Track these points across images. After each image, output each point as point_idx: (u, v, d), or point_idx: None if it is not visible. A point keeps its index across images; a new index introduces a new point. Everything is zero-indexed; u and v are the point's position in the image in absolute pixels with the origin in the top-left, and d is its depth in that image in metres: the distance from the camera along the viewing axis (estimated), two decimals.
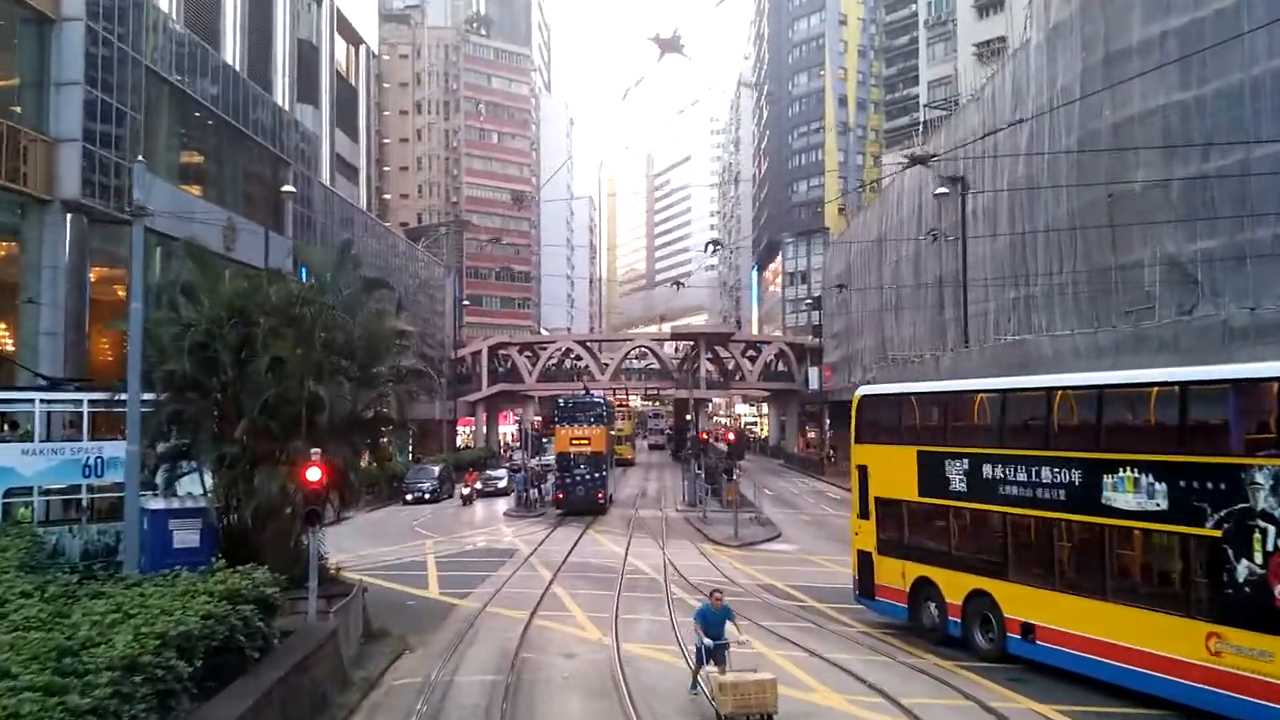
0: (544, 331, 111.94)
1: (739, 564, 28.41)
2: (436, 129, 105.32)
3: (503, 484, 52.30)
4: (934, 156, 41.28)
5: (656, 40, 16.99)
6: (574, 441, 42.97)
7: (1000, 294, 39.87)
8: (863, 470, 20.29)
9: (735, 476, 43.16)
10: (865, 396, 20.78)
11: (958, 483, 17.55)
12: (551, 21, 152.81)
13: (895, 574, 19.23)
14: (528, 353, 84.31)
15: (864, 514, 20.23)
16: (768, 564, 28.30)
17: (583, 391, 59.20)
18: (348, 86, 77.08)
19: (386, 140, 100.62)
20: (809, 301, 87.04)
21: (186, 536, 19.14)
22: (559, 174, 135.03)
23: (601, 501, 42.61)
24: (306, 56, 66.08)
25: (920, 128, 67.78)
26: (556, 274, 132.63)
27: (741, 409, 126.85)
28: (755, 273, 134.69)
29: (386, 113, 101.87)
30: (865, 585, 20.20)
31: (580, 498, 41.84)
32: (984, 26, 61.84)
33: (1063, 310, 34.86)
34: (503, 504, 47.67)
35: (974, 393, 18.53)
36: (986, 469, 16.94)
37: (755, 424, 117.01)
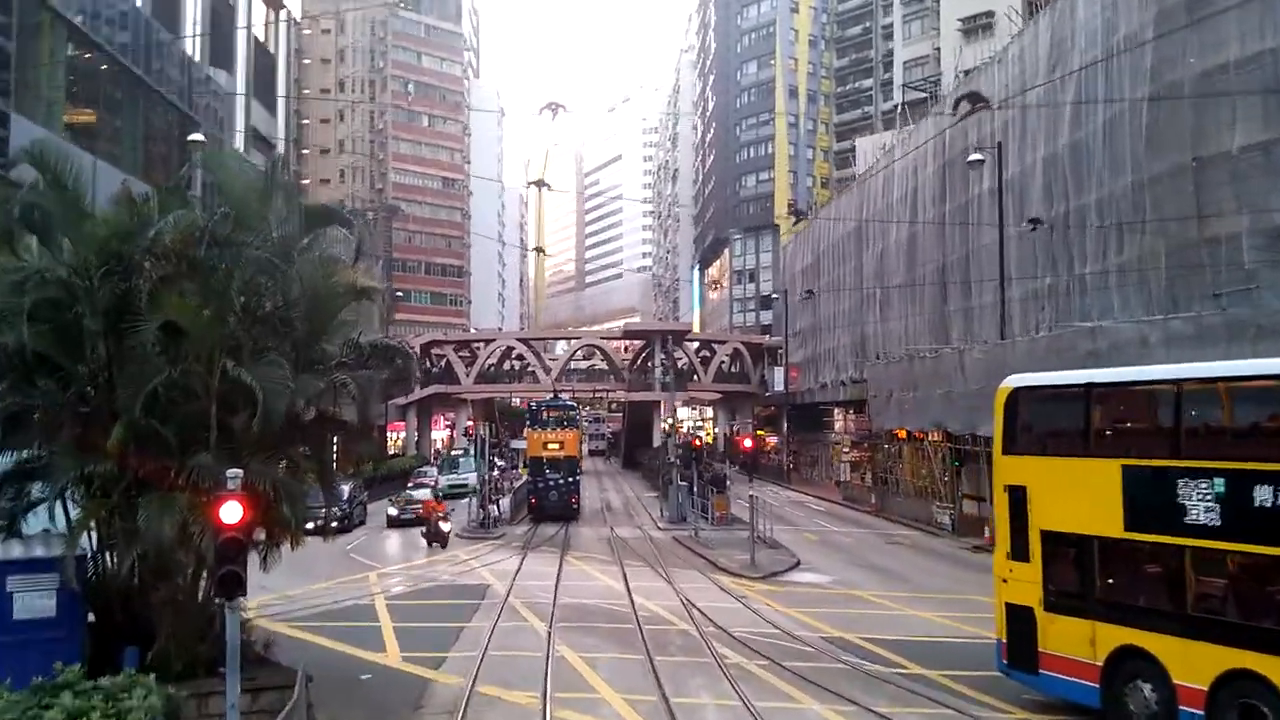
0: (475, 331, 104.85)
1: (776, 604, 22.48)
2: (361, 110, 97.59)
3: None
4: (978, 107, 36.22)
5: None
6: (547, 446, 42.19)
7: (1029, 280, 34.73)
8: (1017, 493, 14.50)
9: (728, 488, 37.44)
10: (1023, 389, 14.97)
11: (1205, 512, 11.87)
12: (480, 7, 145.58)
13: (1077, 640, 13.49)
14: (463, 352, 77.43)
15: (1019, 554, 14.45)
16: (813, 605, 22.43)
17: (551, 395, 55.33)
18: (265, 53, 69.32)
19: (306, 121, 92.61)
20: (774, 299, 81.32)
21: (35, 602, 12.57)
22: (489, 166, 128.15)
23: (575, 506, 41.81)
24: (220, 13, 58.34)
25: (900, 110, 62.97)
26: (488, 271, 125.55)
27: (683, 413, 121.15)
28: (697, 271, 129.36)
29: (306, 90, 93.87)
30: (1021, 652, 14.41)
31: (555, 502, 41.06)
32: (970, 2, 57.21)
33: (1123, 296, 29.83)
34: (411, 548, 36.29)
35: (1249, 380, 12.65)
36: (1264, 492, 11.30)
37: (701, 428, 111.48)
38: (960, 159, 41.29)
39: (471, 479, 49.35)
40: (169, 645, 12.29)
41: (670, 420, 49.35)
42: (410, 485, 47.13)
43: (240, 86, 61.21)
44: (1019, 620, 14.41)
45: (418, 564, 30.83)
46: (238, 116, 57.59)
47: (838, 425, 64.22)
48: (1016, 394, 14.86)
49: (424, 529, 34.50)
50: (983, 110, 38.22)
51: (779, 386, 70.37)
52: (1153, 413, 13.49)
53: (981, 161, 32.89)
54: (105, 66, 36.91)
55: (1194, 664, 12.01)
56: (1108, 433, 13.80)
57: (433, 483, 48.19)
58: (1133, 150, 29.18)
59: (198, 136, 30.55)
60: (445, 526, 34.28)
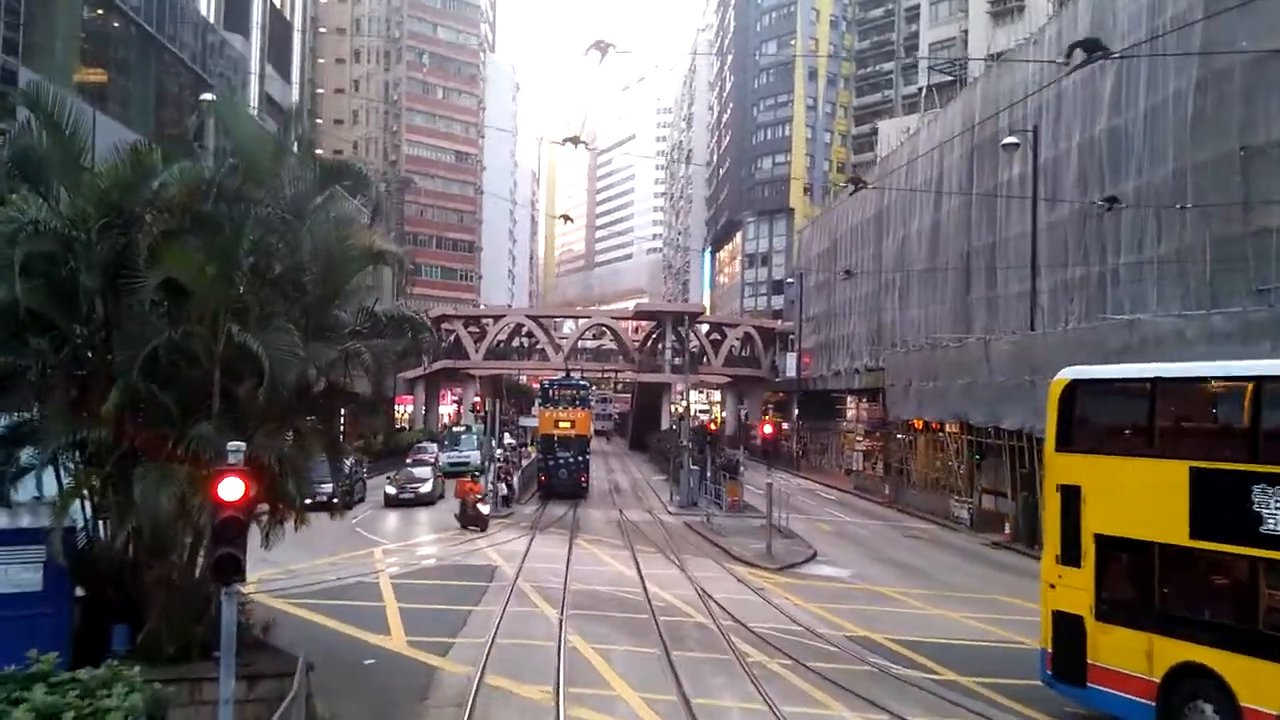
0: (484, 307, 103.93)
1: (794, 598, 21.65)
2: (376, 80, 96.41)
3: (426, 488, 38.36)
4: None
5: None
6: (559, 424, 42.36)
7: (1059, 270, 33.69)
8: (1070, 493, 13.58)
9: (741, 474, 36.65)
10: (1081, 382, 13.99)
11: None
12: None
13: (1131, 653, 12.60)
14: (473, 327, 76.56)
15: (1069, 558, 13.55)
16: (833, 600, 21.60)
17: (563, 374, 55.49)
18: (281, 20, 68.30)
19: (320, 90, 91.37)
20: (789, 283, 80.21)
21: (20, 575, 11.79)
22: (503, 142, 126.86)
23: (584, 484, 42.10)
24: None
25: (924, 92, 61.83)
26: (499, 248, 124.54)
27: (691, 396, 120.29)
28: (708, 254, 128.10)
29: (321, 60, 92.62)
30: (1067, 664, 13.51)
31: (564, 480, 41.20)
32: None
33: (1158, 288, 28.83)
34: (425, 515, 36.32)
35: None
36: None
37: (707, 412, 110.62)
38: (989, 144, 40.22)
39: (474, 457, 48.01)
40: (162, 626, 11.47)
41: (684, 403, 48.47)
42: (409, 461, 45.56)
43: (254, 54, 60.21)
44: (1067, 629, 13.51)
45: (424, 541, 30.08)
46: (252, 83, 56.57)
47: (849, 413, 63.29)
48: (1073, 387, 13.90)
49: (457, 510, 32.65)
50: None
51: (791, 372, 69.42)
52: (1226, 411, 12.56)
53: (1016, 145, 31.76)
54: (118, 24, 35.99)
55: (1265, 686, 11.11)
56: (1174, 431, 12.85)
57: (433, 459, 47.24)
58: (1176, 137, 28.15)
59: (210, 96, 29.57)
60: (484, 509, 32.28)
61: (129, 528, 10.92)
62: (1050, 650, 13.83)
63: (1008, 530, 32.71)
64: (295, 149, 12.97)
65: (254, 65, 58.63)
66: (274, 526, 13.58)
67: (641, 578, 23.15)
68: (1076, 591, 13.43)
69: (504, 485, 37.95)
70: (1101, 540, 13.17)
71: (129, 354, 10.82)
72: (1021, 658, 15.95)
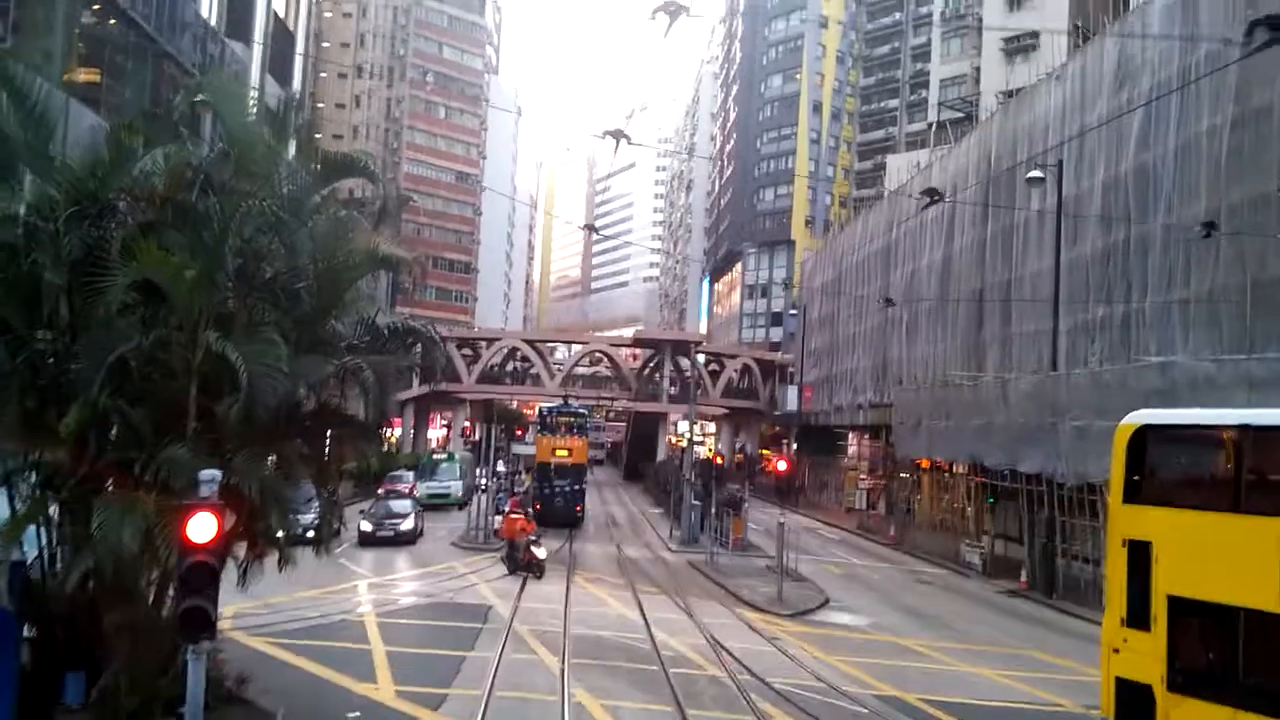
0: (478, 330, 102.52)
1: (812, 649, 20.18)
2: (378, 97, 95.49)
3: (406, 525, 34.36)
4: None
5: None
6: (556, 452, 41.80)
7: (1079, 309, 32.50)
8: (1139, 549, 12.22)
9: (745, 510, 35.24)
10: (1152, 428, 12.64)
11: None
12: (502, 5, 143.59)
13: None
14: (466, 350, 75.09)
15: (1137, 620, 12.18)
16: (856, 653, 20.13)
17: (560, 400, 53.88)
18: (284, 30, 67.21)
19: (321, 104, 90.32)
20: (792, 314, 79.00)
21: None
22: (503, 165, 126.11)
23: (580, 514, 41.52)
24: None
25: (932, 128, 60.93)
26: (495, 271, 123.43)
27: (684, 426, 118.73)
28: (707, 283, 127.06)
29: (323, 74, 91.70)
30: None
31: (560, 509, 40.43)
32: (1015, 19, 55.07)
33: (1188, 331, 27.62)
34: (403, 556, 32.34)
35: None
36: None
37: (702, 444, 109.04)
38: (1006, 178, 39.22)
39: (455, 487, 45.82)
40: (122, 677, 10.04)
41: (687, 435, 47.12)
42: (381, 492, 41.50)
43: (255, 64, 59.07)
44: (1134, 699, 12.11)
45: (412, 575, 28.57)
46: (251, 93, 55.35)
47: (851, 450, 61.89)
48: (1144, 433, 12.57)
49: (503, 553, 29.27)
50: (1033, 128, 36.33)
51: (791, 405, 68.11)
52: None
53: (1041, 179, 30.67)
54: (114, 21, 34.75)
55: None
56: (1264, 485, 11.54)
57: (409, 490, 42.96)
58: (1209, 175, 27.10)
59: (204, 98, 28.21)
60: (540, 552, 28.03)
61: (82, 566, 9.49)
62: None
63: (1024, 578, 31.30)
64: (295, 139, 11.61)
65: (254, 78, 57.51)
66: (252, 563, 12.17)
67: (647, 622, 21.67)
68: (1145, 658, 12.04)
69: (499, 517, 36.33)
70: (1175, 602, 11.80)
71: (93, 363, 9.46)
72: None
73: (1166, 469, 12.84)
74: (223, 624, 16.82)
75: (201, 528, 7.37)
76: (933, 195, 30.42)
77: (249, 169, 10.38)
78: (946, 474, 43.81)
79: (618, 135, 13.41)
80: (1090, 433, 27.60)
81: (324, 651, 17.43)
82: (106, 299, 9.46)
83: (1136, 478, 12.58)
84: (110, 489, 9.47)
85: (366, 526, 34.00)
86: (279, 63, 65.41)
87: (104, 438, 9.95)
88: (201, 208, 10.23)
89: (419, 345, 12.79)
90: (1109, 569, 13.04)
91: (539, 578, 27.01)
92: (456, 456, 50.14)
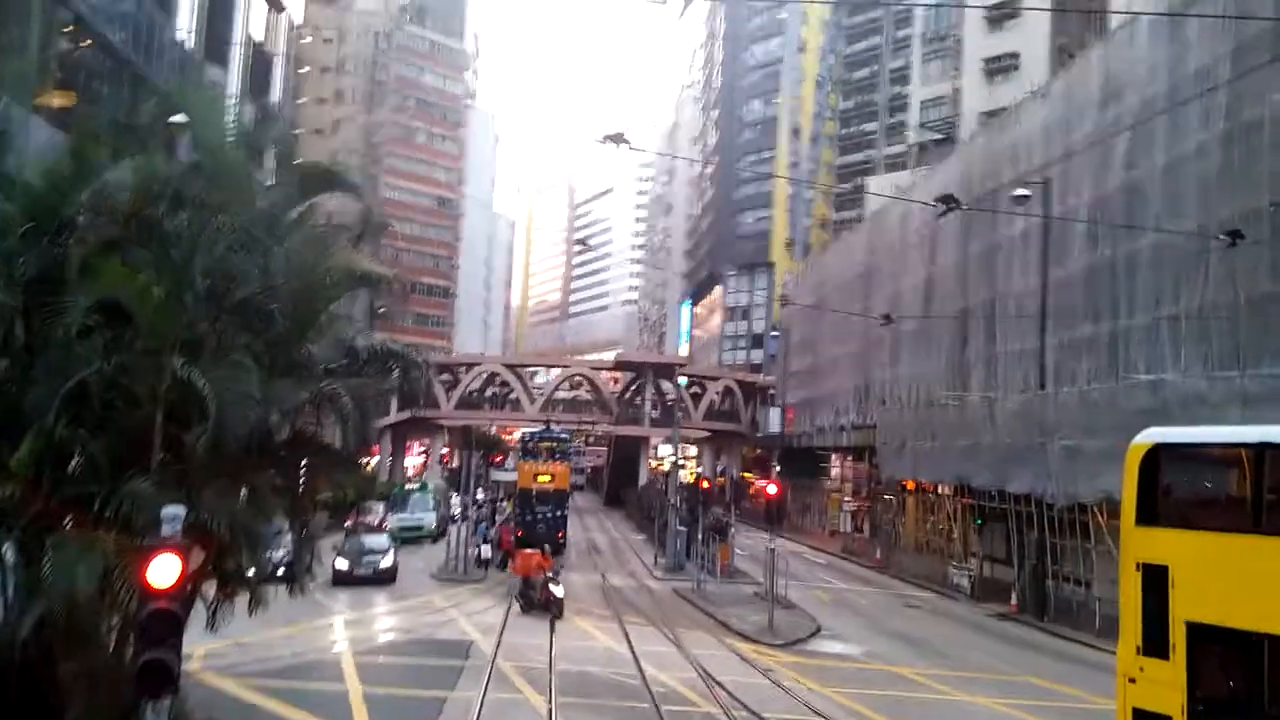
0: (457, 355, 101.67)
1: (807, 680, 19.56)
2: (357, 122, 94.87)
3: (386, 562, 32.49)
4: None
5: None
6: (538, 478, 41.55)
7: (1065, 328, 32.17)
8: (1155, 574, 11.74)
9: (731, 536, 34.65)
10: (1166, 447, 12.18)
11: None
12: (480, 31, 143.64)
13: None
14: (444, 375, 74.26)
15: (1153, 648, 11.67)
16: (852, 684, 19.51)
17: (544, 426, 52.59)
18: (262, 54, 66.68)
19: (299, 130, 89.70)
20: (774, 336, 78.54)
21: None
22: (482, 189, 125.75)
23: (562, 540, 40.36)
24: (218, 8, 55.67)
25: (913, 150, 61.03)
26: (474, 296, 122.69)
27: (664, 450, 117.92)
28: (688, 307, 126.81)
29: (302, 100, 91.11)
30: None
31: (542, 535, 38.12)
32: (995, 39, 55.22)
33: (1179, 348, 27.27)
34: (381, 591, 31.19)
35: None
36: None
37: (683, 468, 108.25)
38: (989, 198, 39.06)
39: (428, 519, 43.26)
40: None
41: (671, 459, 46.58)
42: (349, 525, 39.16)
43: (233, 88, 58.43)
44: None
45: (390, 610, 27.76)
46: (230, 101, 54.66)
47: (834, 472, 61.41)
48: (1156, 452, 12.11)
49: (519, 591, 27.06)
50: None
51: (773, 428, 67.60)
52: None
53: (1028, 196, 30.41)
54: (90, 44, 34.15)
55: None
56: None
57: (380, 523, 41.06)
58: (1199, 192, 26.91)
59: (179, 118, 27.57)
60: (558, 590, 26.05)
61: (36, 614, 8.79)
62: None
63: (1014, 601, 30.82)
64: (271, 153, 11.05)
65: (232, 101, 56.81)
66: (223, 603, 11.47)
67: (635, 656, 21.00)
68: (1163, 688, 11.52)
69: (483, 548, 35.57)
70: (1195, 629, 11.30)
71: (51, 389, 8.81)
72: None
73: (1181, 489, 12.40)
74: (190, 664, 16.10)
75: (164, 571, 6.72)
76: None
77: (222, 182, 9.79)
78: (931, 495, 43.40)
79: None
80: (1080, 453, 27.26)
81: (298, 694, 16.66)
82: (65, 320, 8.83)
83: (1150, 499, 12.11)
84: (67, 527, 8.80)
85: (342, 564, 31.94)
86: (257, 87, 64.88)
87: (61, 471, 9.27)
88: (170, 224, 9.63)
89: (398, 369, 12.12)
90: (1123, 594, 12.53)
91: (559, 618, 25.12)
92: (430, 486, 47.86)
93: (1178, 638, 11.42)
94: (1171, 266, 27.61)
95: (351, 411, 10.13)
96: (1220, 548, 11.33)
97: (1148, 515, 12.10)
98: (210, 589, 11.48)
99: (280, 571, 15.78)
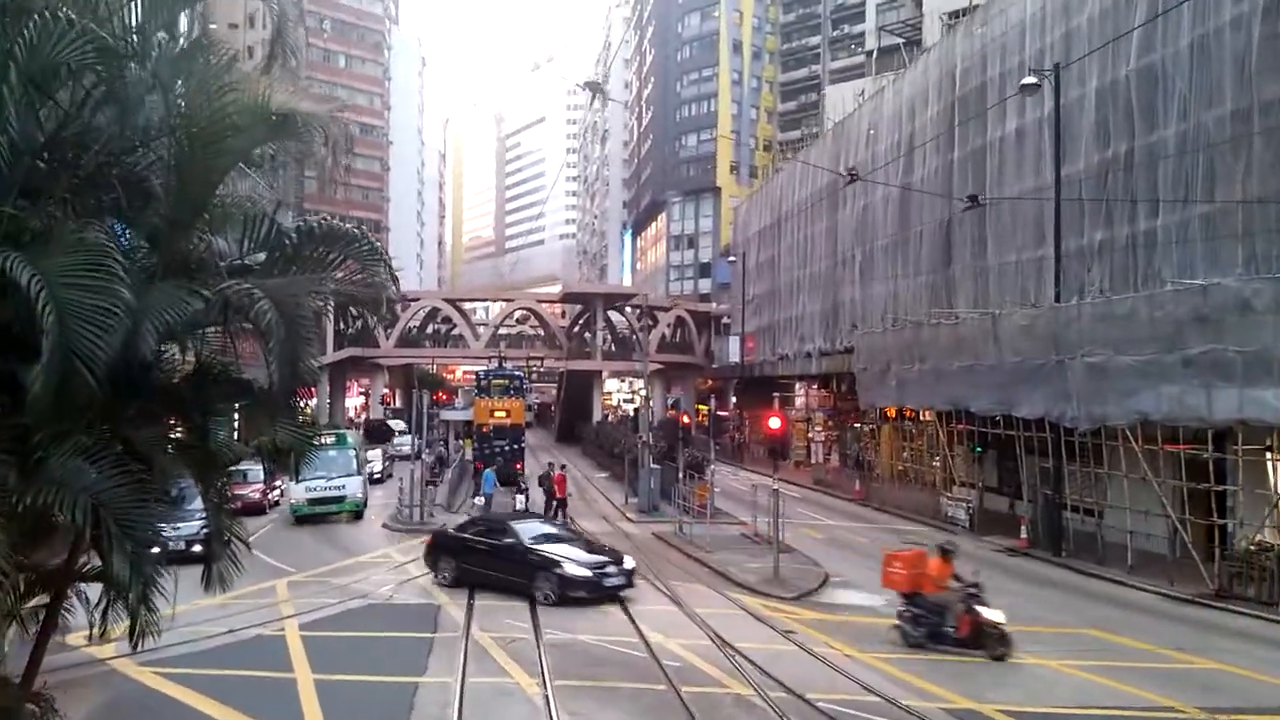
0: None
1: (837, 643, 16.61)
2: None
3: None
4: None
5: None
6: (494, 414, 43.30)
7: (1073, 235, 29.34)
8: None
9: (711, 474, 31.67)
10: None
11: None
12: None
13: None
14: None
15: None
16: (887, 645, 16.63)
17: (496, 363, 54.03)
18: None
19: (213, 25, 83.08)
20: (730, 261, 75.37)
21: None
22: (410, 118, 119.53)
23: (520, 471, 41.39)
24: None
25: (872, 55, 57.52)
26: (407, 231, 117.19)
27: (611, 384, 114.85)
28: (629, 237, 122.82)
29: (213, 25, 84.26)
30: None
31: (501, 467, 40.24)
32: None
33: (1214, 250, 24.56)
34: (329, 544, 27.78)
35: None
36: None
37: (631, 401, 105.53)
38: (975, 96, 35.97)
39: (351, 487, 32.38)
40: None
41: (637, 393, 43.63)
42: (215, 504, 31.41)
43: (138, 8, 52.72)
44: None
45: (341, 567, 24.30)
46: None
47: (799, 401, 58.82)
48: None
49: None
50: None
51: (732, 357, 64.76)
52: None
53: (1037, 86, 27.21)
54: None
55: None
56: None
57: (260, 495, 32.36)
58: (1234, 73, 24.00)
59: None
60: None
61: None
62: None
63: (1024, 535, 28.34)
64: None
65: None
66: (113, 602, 7.93)
67: (631, 617, 17.91)
68: None
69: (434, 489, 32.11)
70: None
71: None
72: None
73: None
74: (103, 649, 12.60)
75: None
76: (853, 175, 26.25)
77: None
78: (910, 422, 40.90)
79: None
80: (1108, 370, 24.57)
81: (233, 684, 13.25)
82: None
83: None
84: None
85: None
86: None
87: None
88: None
89: (348, 260, 8.35)
90: None
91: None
92: (349, 439, 35.70)
93: None
94: (1204, 158, 24.83)
95: (275, 325, 6.47)
96: None
97: None
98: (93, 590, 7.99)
99: (196, 548, 12.35)
